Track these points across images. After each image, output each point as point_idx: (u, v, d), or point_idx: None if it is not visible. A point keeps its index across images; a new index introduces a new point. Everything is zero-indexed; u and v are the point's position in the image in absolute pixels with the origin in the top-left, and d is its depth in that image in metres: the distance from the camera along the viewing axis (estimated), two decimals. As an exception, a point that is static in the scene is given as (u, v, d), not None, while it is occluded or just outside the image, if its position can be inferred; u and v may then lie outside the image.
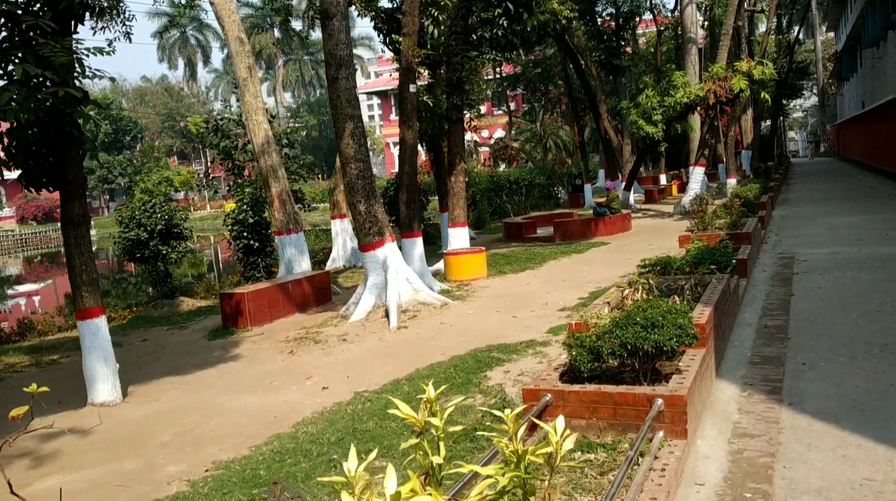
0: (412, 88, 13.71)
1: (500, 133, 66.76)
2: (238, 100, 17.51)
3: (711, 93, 22.32)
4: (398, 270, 12.04)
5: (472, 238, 24.64)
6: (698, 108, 23.73)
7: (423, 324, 11.31)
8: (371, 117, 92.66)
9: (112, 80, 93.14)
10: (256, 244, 17.23)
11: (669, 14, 42.44)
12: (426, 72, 19.06)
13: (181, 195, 74.82)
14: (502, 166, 52.09)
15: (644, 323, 4.94)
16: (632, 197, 30.53)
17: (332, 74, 11.70)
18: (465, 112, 16.87)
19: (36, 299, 30.07)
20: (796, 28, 47.78)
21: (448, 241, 16.56)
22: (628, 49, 38.35)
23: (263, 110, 15.26)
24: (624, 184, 30.58)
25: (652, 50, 42.41)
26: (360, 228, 12.11)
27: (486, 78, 47.29)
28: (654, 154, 45.94)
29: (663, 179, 39.91)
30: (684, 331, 4.98)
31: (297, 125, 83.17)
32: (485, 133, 75.10)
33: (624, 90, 34.19)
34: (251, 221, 17.05)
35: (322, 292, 13.83)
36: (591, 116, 37.57)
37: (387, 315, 11.59)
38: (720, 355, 6.61)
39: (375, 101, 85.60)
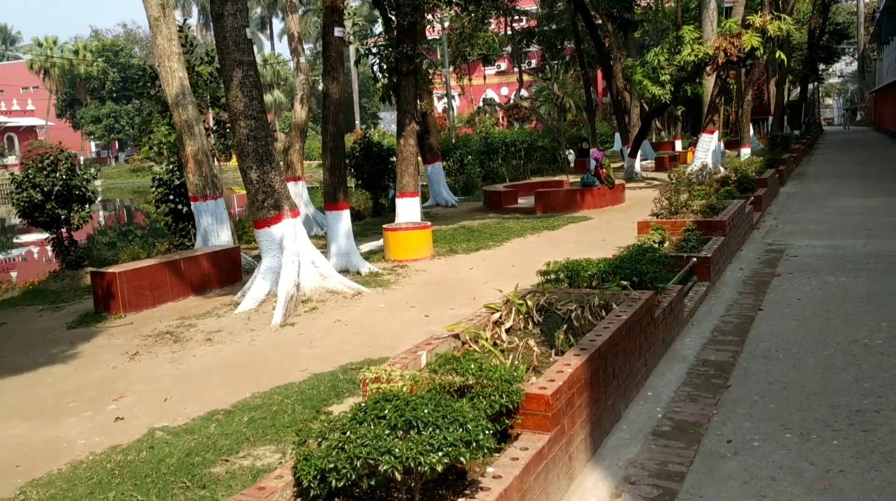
0: (337, 32, 11.47)
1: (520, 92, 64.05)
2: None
3: (721, 51, 19.70)
4: (296, 252, 9.98)
5: (451, 205, 22.55)
6: (708, 67, 21.13)
7: (314, 321, 9.28)
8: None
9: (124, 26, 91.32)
10: (186, 209, 15.23)
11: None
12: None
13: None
14: (518, 127, 49.54)
15: (395, 422, 2.84)
16: (637, 164, 28.11)
17: (217, 10, 9.52)
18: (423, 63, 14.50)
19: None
20: (835, -15, 44.18)
21: (397, 213, 14.44)
22: (643, 2, 35.40)
23: (179, 56, 13.13)
24: (629, 150, 28.15)
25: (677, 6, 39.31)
26: (252, 199, 10.04)
27: (499, 33, 44.60)
28: (671, 118, 43.19)
29: (678, 145, 37.21)
30: (470, 436, 2.87)
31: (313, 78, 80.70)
32: (504, 91, 72.41)
33: (635, 48, 31.43)
34: (177, 182, 15.04)
35: (229, 270, 11.84)
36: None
37: (285, 303, 9.55)
38: (602, 427, 4.47)
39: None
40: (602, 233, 14.76)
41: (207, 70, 17.81)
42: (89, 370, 7.88)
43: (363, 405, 3.02)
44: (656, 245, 8.70)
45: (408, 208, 14.21)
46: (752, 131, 35.79)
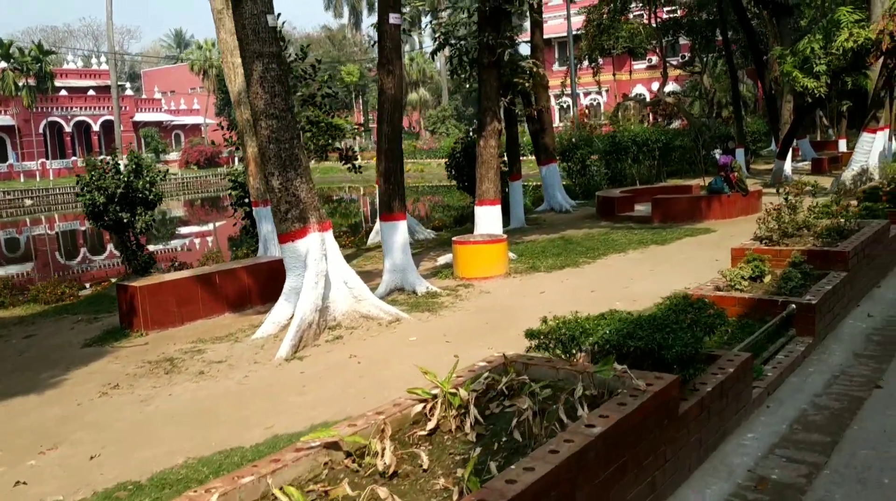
0: (393, 19, 10.05)
1: (671, 87, 60.60)
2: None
3: (886, 34, 16.59)
4: (321, 272, 8.65)
5: (565, 211, 20.61)
6: (870, 55, 17.96)
7: (328, 355, 7.94)
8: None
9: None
10: (263, 213, 14.42)
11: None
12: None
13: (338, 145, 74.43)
14: (666, 124, 46.29)
15: None
16: (788, 167, 24.82)
17: (234, -6, 8.39)
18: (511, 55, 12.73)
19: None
20: None
21: (475, 223, 12.86)
22: (802, -17, 31.56)
23: (242, 50, 12.18)
24: (778, 150, 25.01)
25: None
26: (274, 210, 8.83)
27: (646, 25, 41.88)
28: (836, 114, 38.74)
29: (842, 144, 33.04)
30: None
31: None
32: (655, 86, 68.57)
33: (792, 37, 27.92)
34: (253, 185, 14.21)
35: (274, 284, 10.69)
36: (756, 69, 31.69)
37: (300, 332, 8.28)
38: None
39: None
40: (719, 250, 12.45)
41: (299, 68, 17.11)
42: (52, 406, 6.93)
43: None
44: (744, 282, 6.64)
45: (488, 218, 12.60)
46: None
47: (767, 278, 6.98)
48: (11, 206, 51.06)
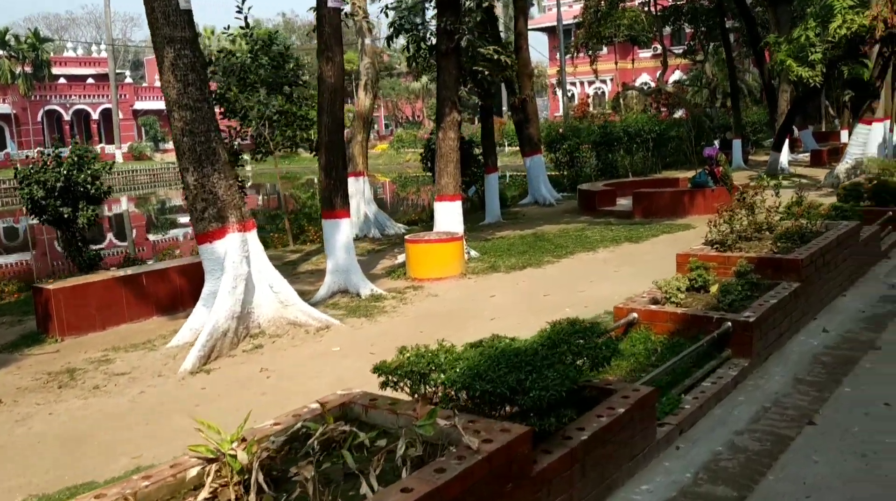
0: (332, 3, 9.33)
1: (677, 76, 59.82)
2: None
3: (880, 21, 15.73)
4: (240, 276, 7.99)
5: (549, 204, 19.89)
6: (865, 43, 17.13)
7: (238, 368, 7.31)
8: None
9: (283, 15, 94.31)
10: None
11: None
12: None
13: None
14: (676, 113, 45.34)
15: None
16: (784, 159, 23.95)
17: (142, -26, 7.70)
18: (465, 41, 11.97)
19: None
20: None
21: (435, 220, 12.15)
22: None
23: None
24: (774, 142, 24.17)
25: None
26: (190, 208, 8.17)
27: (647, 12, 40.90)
28: (840, 105, 37.76)
29: (844, 136, 32.05)
30: None
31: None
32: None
33: (790, 25, 27.00)
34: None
35: (210, 286, 10.10)
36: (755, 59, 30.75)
37: (212, 341, 7.63)
38: None
39: (544, 38, 79.05)
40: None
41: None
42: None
43: None
44: (681, 295, 5.94)
45: (447, 214, 11.87)
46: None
47: (714, 289, 6.26)
48: (7, 195, 50.57)
